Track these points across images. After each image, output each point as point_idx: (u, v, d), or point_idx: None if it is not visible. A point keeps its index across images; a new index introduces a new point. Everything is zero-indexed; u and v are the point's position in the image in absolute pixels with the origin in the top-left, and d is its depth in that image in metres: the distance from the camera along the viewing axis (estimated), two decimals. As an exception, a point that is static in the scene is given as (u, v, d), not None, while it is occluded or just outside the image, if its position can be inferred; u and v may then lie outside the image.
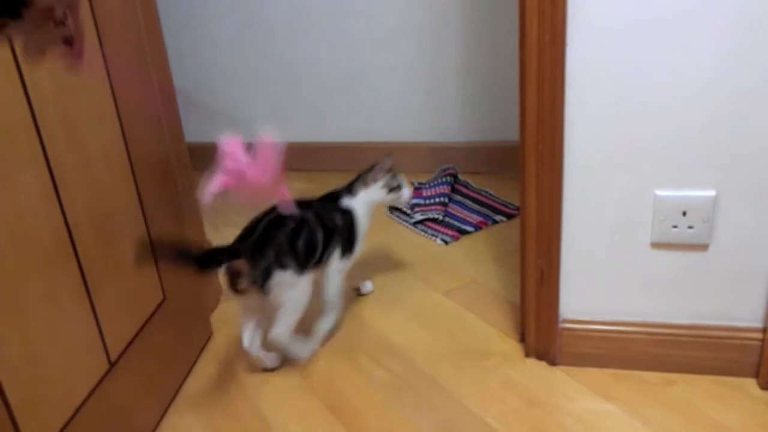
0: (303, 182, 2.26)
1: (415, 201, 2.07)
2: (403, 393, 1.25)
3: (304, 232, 1.29)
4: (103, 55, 1.07)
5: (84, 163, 1.01)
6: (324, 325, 1.42)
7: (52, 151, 0.92)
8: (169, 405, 1.27)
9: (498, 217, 1.97)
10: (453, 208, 2.05)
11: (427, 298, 1.58)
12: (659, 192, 1.11)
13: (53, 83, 0.93)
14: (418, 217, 1.98)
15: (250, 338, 1.30)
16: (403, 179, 1.49)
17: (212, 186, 1.03)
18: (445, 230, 1.91)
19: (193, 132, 2.02)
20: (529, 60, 1.07)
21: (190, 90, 2.38)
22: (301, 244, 1.27)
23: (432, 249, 1.83)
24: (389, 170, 1.48)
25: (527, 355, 1.31)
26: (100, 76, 1.05)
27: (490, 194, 2.13)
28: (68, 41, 0.48)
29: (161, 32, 1.32)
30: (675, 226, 1.12)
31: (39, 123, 0.90)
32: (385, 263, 1.56)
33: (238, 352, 1.43)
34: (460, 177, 2.25)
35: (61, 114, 0.96)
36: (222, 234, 2.07)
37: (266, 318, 1.29)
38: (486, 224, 1.94)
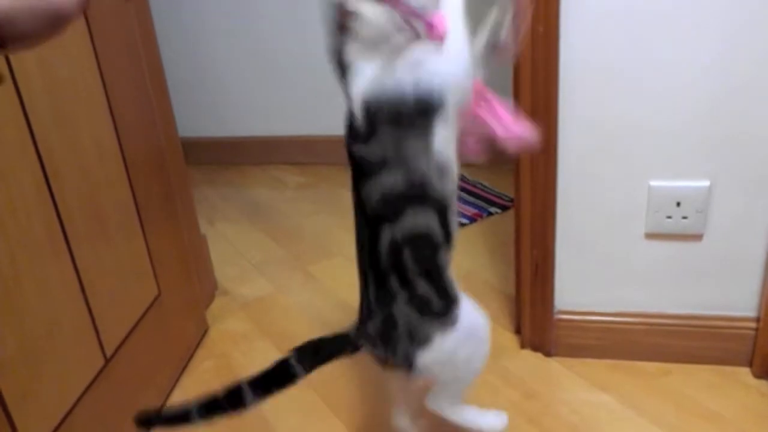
0: (298, 176, 2.25)
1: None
2: (400, 385, 1.25)
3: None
4: (95, 50, 1.06)
5: (76, 157, 1.01)
6: None
7: (43, 145, 0.92)
8: (165, 400, 1.27)
9: (493, 209, 1.97)
10: (448, 201, 2.05)
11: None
12: (653, 183, 1.12)
13: (44, 77, 0.93)
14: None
15: None
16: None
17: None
18: (441, 223, 1.91)
19: (187, 127, 2.01)
20: (523, 51, 1.07)
21: (182, 83, 2.36)
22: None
23: (427, 242, 1.83)
24: None
25: (523, 346, 1.32)
26: None
27: (485, 186, 2.13)
28: None
29: (153, 25, 1.32)
30: (669, 217, 1.13)
31: (30, 117, 0.89)
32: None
33: (233, 346, 1.43)
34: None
35: (53, 107, 0.95)
36: (217, 229, 2.07)
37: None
38: (481, 216, 1.94)
